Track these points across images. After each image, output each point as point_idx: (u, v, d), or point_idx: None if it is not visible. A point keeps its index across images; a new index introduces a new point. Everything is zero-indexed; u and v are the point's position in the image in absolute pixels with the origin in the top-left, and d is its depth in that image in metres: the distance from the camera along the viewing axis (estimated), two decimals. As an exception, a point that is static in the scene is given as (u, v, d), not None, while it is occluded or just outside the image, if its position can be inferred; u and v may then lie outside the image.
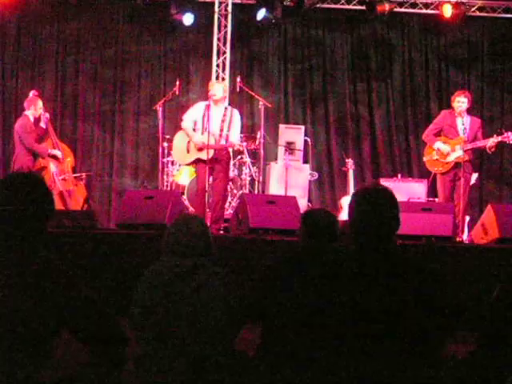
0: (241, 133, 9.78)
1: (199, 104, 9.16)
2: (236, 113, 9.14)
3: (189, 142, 8.91)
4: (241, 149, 10.31)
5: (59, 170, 9.70)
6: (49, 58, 11.96)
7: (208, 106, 8.88)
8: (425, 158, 9.42)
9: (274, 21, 11.84)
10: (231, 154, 9.66)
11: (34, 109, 9.54)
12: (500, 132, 9.00)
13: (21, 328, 2.69)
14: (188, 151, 8.94)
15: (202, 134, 8.81)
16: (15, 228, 2.81)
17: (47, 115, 9.72)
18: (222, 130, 8.89)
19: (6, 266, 2.75)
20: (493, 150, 9.00)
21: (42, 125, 9.65)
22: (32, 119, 9.52)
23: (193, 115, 8.99)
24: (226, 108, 9.12)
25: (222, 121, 8.93)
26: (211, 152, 8.72)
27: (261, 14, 11.80)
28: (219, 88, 9.09)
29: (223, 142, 8.89)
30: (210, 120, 8.76)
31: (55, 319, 2.76)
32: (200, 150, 8.79)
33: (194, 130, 8.90)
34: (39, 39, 11.96)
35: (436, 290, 2.98)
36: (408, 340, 2.88)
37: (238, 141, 9.38)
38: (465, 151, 8.90)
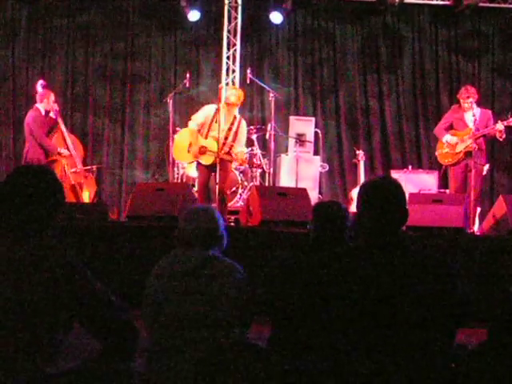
0: (247, 144, 9.60)
1: (210, 106, 8.98)
2: (244, 124, 9.02)
3: (190, 142, 8.82)
4: (245, 166, 10.09)
5: (70, 163, 9.72)
6: (59, 50, 11.99)
7: (218, 110, 8.70)
8: (436, 153, 9.50)
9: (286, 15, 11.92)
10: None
11: (47, 102, 9.56)
12: (506, 117, 8.99)
13: (32, 319, 2.70)
14: (189, 151, 8.86)
15: (206, 137, 8.76)
16: (26, 220, 2.83)
17: (56, 107, 9.73)
18: (226, 139, 8.79)
19: (17, 257, 2.76)
20: (503, 136, 8.98)
21: (52, 115, 9.67)
22: (43, 112, 9.55)
23: (202, 117, 8.83)
24: (235, 116, 9.02)
25: (229, 129, 8.84)
26: (213, 158, 8.65)
27: (278, 18, 11.82)
28: (233, 92, 8.94)
29: (226, 149, 8.75)
30: (219, 124, 8.60)
31: (66, 311, 2.77)
32: (202, 153, 8.72)
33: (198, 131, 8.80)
34: (50, 32, 11.98)
35: (445, 280, 2.98)
36: (418, 331, 2.88)
37: (242, 154, 9.04)
38: (475, 140, 8.89)
